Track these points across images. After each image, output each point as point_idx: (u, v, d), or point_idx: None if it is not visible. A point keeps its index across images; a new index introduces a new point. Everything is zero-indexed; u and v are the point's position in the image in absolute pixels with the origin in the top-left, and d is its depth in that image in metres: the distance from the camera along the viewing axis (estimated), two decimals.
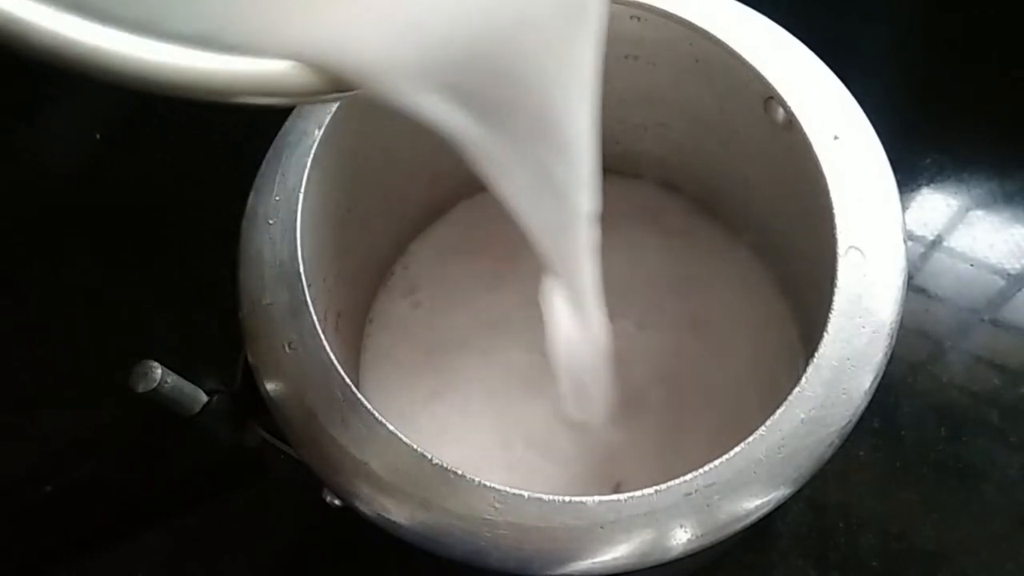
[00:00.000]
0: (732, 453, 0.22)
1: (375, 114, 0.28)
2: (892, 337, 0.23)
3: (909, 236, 0.40)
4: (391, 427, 0.22)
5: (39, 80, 0.49)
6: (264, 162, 0.27)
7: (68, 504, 0.29)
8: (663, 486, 0.21)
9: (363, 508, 0.22)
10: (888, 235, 0.24)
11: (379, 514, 0.22)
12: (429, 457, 0.22)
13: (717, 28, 0.27)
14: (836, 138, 0.26)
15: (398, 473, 0.22)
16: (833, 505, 0.35)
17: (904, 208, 0.41)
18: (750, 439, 0.22)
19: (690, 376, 0.33)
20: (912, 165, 0.42)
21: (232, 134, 0.46)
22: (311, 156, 0.26)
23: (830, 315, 0.23)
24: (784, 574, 0.34)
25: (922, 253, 0.40)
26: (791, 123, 0.26)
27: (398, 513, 0.22)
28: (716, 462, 0.21)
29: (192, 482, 0.25)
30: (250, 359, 0.24)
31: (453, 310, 0.35)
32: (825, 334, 0.23)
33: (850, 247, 0.24)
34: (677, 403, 0.32)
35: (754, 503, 0.22)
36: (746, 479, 0.21)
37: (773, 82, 0.26)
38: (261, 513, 0.27)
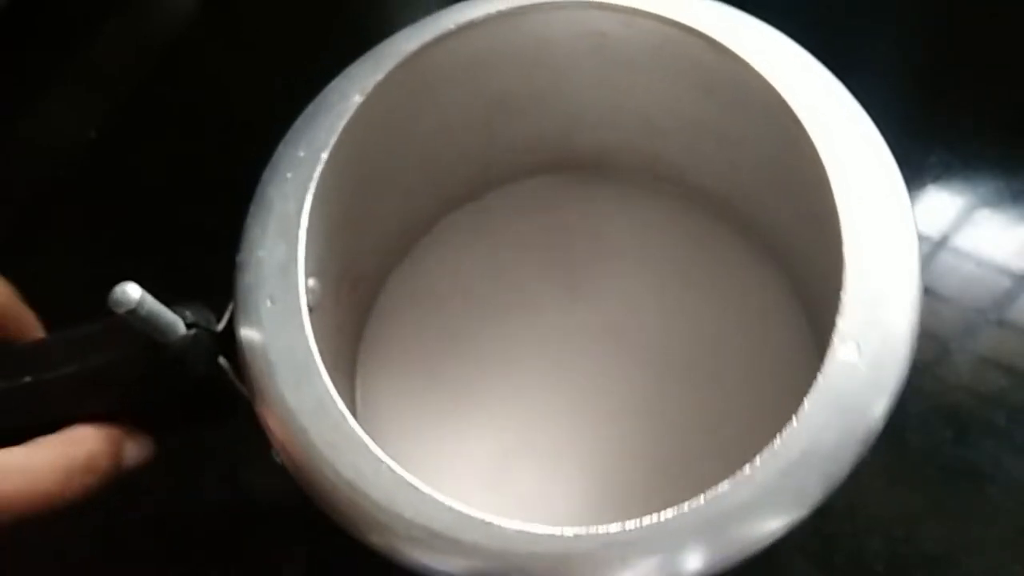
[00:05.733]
0: (744, 474, 0.21)
1: (422, 92, 0.29)
2: (911, 344, 0.22)
3: None
4: (341, 405, 0.22)
5: (33, 79, 0.49)
6: (301, 116, 0.27)
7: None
8: (673, 511, 0.20)
9: (297, 477, 0.23)
10: (899, 239, 0.24)
11: (311, 486, 0.22)
12: (376, 453, 0.22)
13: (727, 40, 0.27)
14: (840, 137, 0.25)
15: (335, 450, 0.22)
16: (838, 508, 0.35)
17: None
18: (762, 457, 0.21)
19: (702, 393, 0.32)
20: (918, 163, 0.41)
21: (229, 134, 0.46)
22: (345, 120, 0.26)
23: (835, 331, 0.22)
24: None
25: (927, 252, 0.40)
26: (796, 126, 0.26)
27: (325, 490, 0.22)
28: (727, 484, 0.21)
29: (160, 409, 0.26)
30: (234, 303, 0.24)
31: (466, 301, 0.35)
32: (831, 345, 0.22)
33: (857, 252, 0.23)
34: (687, 421, 0.32)
35: (768, 526, 0.21)
36: (761, 501, 0.20)
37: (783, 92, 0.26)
38: (231, 449, 0.27)
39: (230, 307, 0.25)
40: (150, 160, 0.46)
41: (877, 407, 0.22)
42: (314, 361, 0.23)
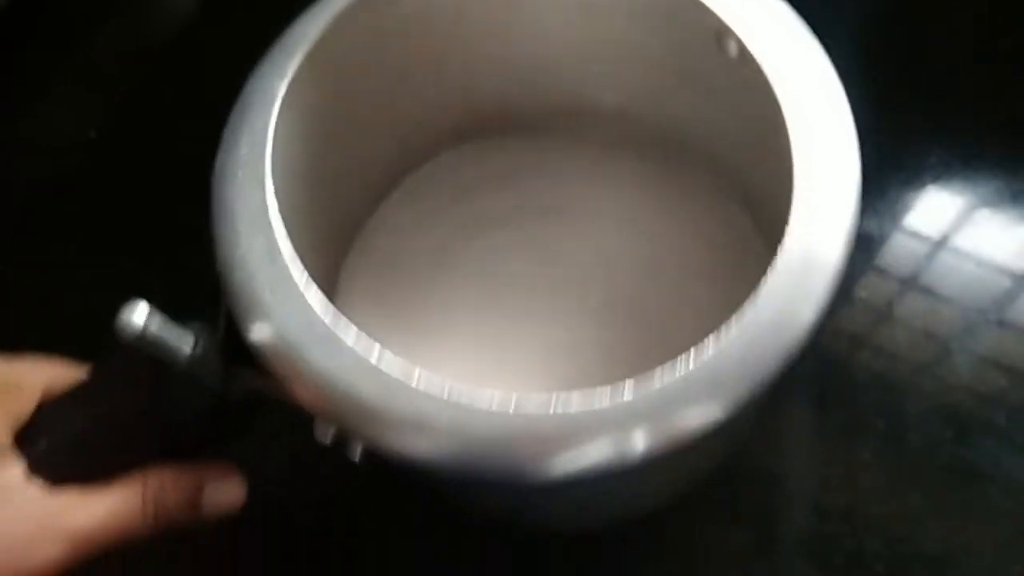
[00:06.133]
0: (675, 367, 0.22)
1: (343, 66, 0.29)
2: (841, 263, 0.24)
3: (914, 235, 0.40)
4: (374, 358, 0.23)
5: (33, 78, 0.49)
6: (229, 119, 0.27)
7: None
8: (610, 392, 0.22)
9: (357, 437, 0.23)
10: (843, 167, 0.25)
11: (374, 441, 0.23)
12: (415, 379, 0.22)
13: None
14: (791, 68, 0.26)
15: (389, 398, 0.22)
16: (838, 508, 0.35)
17: (909, 207, 0.41)
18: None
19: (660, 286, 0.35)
20: (917, 163, 0.42)
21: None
22: (276, 107, 0.27)
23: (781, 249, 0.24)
24: None
25: (927, 252, 0.40)
26: (744, 56, 0.27)
27: (392, 438, 0.22)
28: (658, 372, 0.22)
29: (182, 433, 0.26)
30: (231, 307, 0.24)
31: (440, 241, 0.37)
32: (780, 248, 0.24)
33: (805, 178, 0.25)
34: (647, 311, 0.35)
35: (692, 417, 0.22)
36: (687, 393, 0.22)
37: (724, 17, 0.27)
38: (254, 461, 0.27)
39: (222, 314, 0.25)
40: (150, 160, 0.46)
41: (804, 316, 0.23)
42: (337, 330, 0.23)
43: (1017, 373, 0.37)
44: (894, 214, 0.40)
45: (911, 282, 0.39)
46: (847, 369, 0.37)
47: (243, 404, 0.26)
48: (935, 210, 0.41)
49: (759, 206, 0.34)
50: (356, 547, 0.36)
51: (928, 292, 0.39)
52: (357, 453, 0.24)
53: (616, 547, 0.35)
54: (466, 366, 0.34)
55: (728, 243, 0.35)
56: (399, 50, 0.32)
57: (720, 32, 0.28)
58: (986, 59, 0.44)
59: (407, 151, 0.38)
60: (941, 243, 0.40)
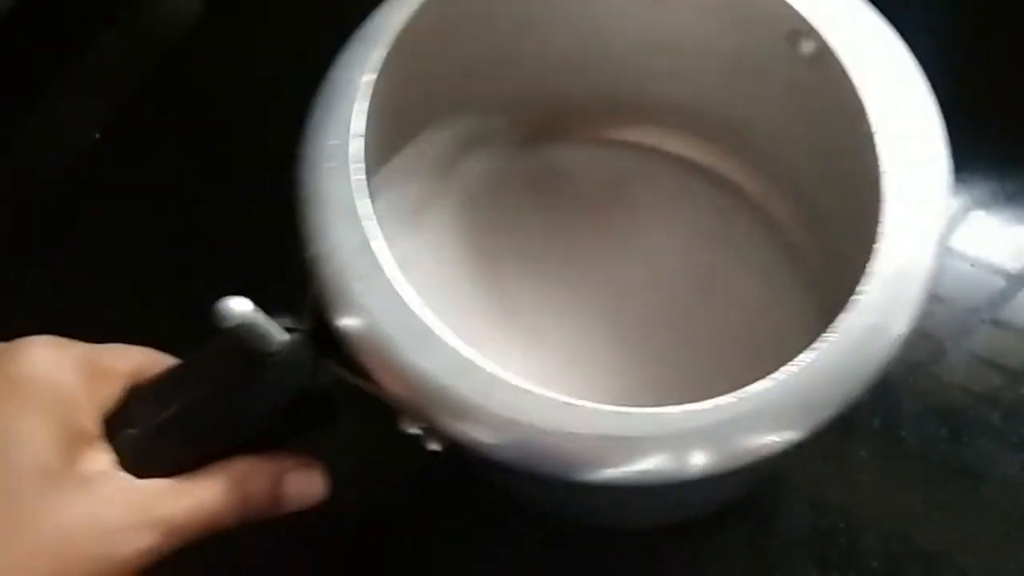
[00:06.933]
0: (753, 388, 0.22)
1: (421, 56, 0.29)
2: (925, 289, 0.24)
3: None
4: (467, 352, 0.23)
5: (37, 79, 0.49)
6: (312, 109, 0.27)
7: None
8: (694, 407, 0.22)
9: (447, 431, 0.23)
10: (934, 184, 0.24)
11: (463, 435, 0.23)
12: (506, 378, 0.22)
13: None
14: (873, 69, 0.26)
15: (483, 394, 0.22)
16: (834, 506, 0.35)
17: None
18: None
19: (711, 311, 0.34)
20: None
21: (232, 134, 0.46)
22: (360, 98, 0.27)
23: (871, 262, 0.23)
24: (784, 574, 0.34)
25: None
26: (821, 56, 0.26)
27: (483, 433, 0.22)
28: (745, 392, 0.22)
29: (268, 424, 0.26)
30: (320, 299, 0.24)
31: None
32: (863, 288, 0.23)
33: (895, 191, 0.24)
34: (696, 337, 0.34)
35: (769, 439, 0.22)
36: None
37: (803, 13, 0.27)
38: (339, 453, 0.28)
39: (308, 305, 0.25)
40: (154, 161, 0.46)
41: (898, 326, 0.22)
42: (430, 325, 0.23)
43: (1011, 372, 0.37)
44: None
45: None
46: None
47: (327, 395, 0.26)
48: None
49: (817, 210, 0.33)
50: (419, 534, 0.36)
51: None
52: (438, 445, 0.24)
53: (613, 543, 0.35)
54: (528, 363, 0.34)
55: (780, 248, 0.35)
56: (471, 41, 0.32)
57: (795, 31, 0.27)
58: (981, 60, 0.45)
59: (466, 143, 0.37)
60: None
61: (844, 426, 0.36)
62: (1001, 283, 0.39)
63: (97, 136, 0.47)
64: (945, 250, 0.24)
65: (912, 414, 0.36)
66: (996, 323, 0.38)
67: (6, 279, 0.43)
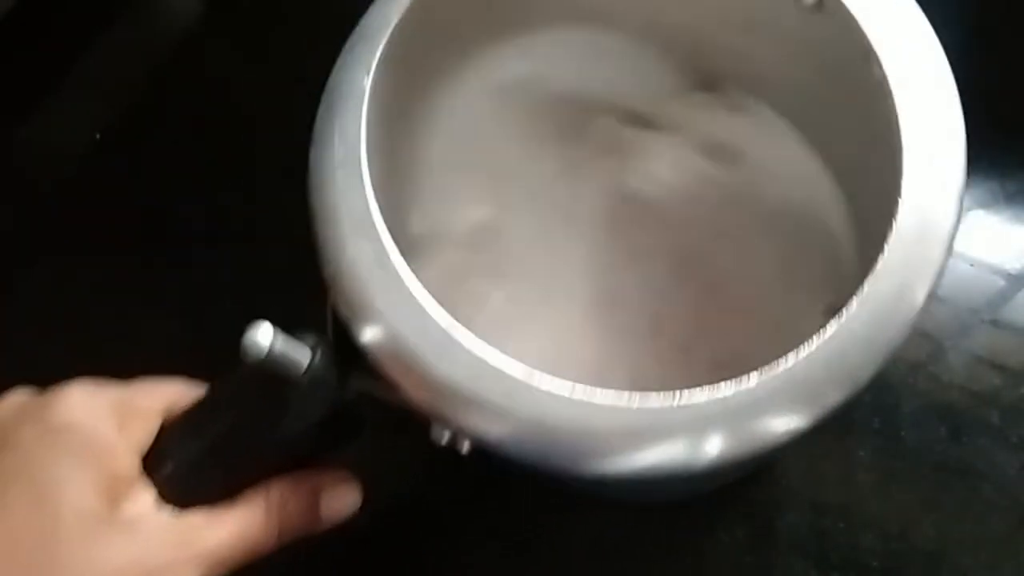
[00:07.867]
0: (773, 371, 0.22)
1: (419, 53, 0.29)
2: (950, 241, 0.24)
3: None
4: (493, 360, 0.23)
5: (38, 80, 0.49)
6: (317, 115, 0.27)
7: None
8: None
9: (474, 435, 0.23)
10: (951, 152, 0.24)
11: (491, 438, 0.23)
12: (530, 381, 0.22)
13: None
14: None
15: (510, 400, 0.22)
16: (833, 505, 0.35)
17: None
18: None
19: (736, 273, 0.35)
20: None
21: (233, 135, 0.46)
22: (366, 103, 0.26)
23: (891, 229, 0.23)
24: (784, 574, 0.34)
25: None
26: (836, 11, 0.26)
27: (514, 439, 0.23)
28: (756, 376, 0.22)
29: (301, 444, 0.26)
30: (341, 313, 0.24)
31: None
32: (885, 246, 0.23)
33: (915, 152, 0.24)
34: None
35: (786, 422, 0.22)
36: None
37: None
38: (369, 465, 0.28)
39: (329, 319, 0.25)
40: (154, 162, 0.46)
41: (921, 288, 0.23)
42: (453, 333, 0.23)
43: (1010, 372, 0.37)
44: None
45: None
46: None
47: (354, 409, 0.26)
48: None
49: (841, 161, 0.33)
50: (448, 528, 0.37)
51: None
52: (467, 449, 0.24)
53: (610, 540, 0.35)
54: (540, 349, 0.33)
55: (809, 201, 0.34)
56: (473, 30, 0.31)
57: None
58: (981, 60, 0.45)
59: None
60: None
61: (844, 426, 0.36)
62: (1001, 283, 0.39)
63: (97, 136, 0.47)
64: (962, 208, 0.24)
65: (912, 413, 0.36)
66: (996, 323, 0.38)
67: (6, 279, 0.43)
